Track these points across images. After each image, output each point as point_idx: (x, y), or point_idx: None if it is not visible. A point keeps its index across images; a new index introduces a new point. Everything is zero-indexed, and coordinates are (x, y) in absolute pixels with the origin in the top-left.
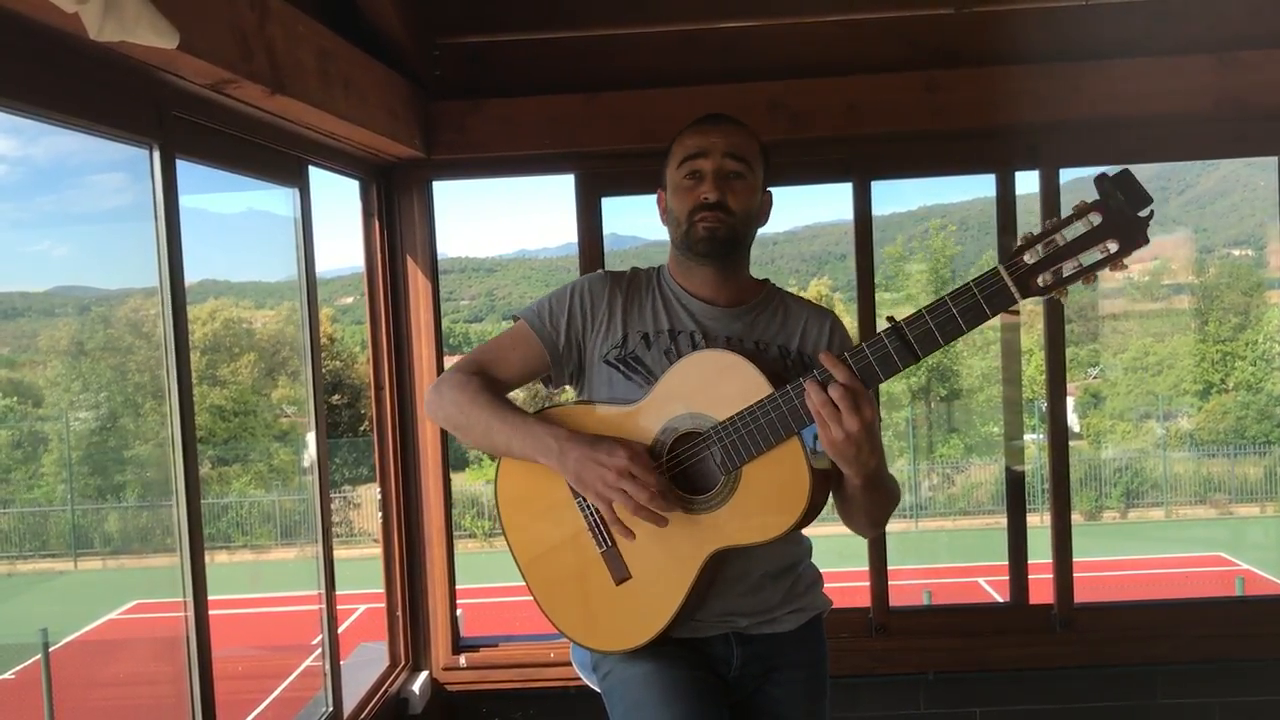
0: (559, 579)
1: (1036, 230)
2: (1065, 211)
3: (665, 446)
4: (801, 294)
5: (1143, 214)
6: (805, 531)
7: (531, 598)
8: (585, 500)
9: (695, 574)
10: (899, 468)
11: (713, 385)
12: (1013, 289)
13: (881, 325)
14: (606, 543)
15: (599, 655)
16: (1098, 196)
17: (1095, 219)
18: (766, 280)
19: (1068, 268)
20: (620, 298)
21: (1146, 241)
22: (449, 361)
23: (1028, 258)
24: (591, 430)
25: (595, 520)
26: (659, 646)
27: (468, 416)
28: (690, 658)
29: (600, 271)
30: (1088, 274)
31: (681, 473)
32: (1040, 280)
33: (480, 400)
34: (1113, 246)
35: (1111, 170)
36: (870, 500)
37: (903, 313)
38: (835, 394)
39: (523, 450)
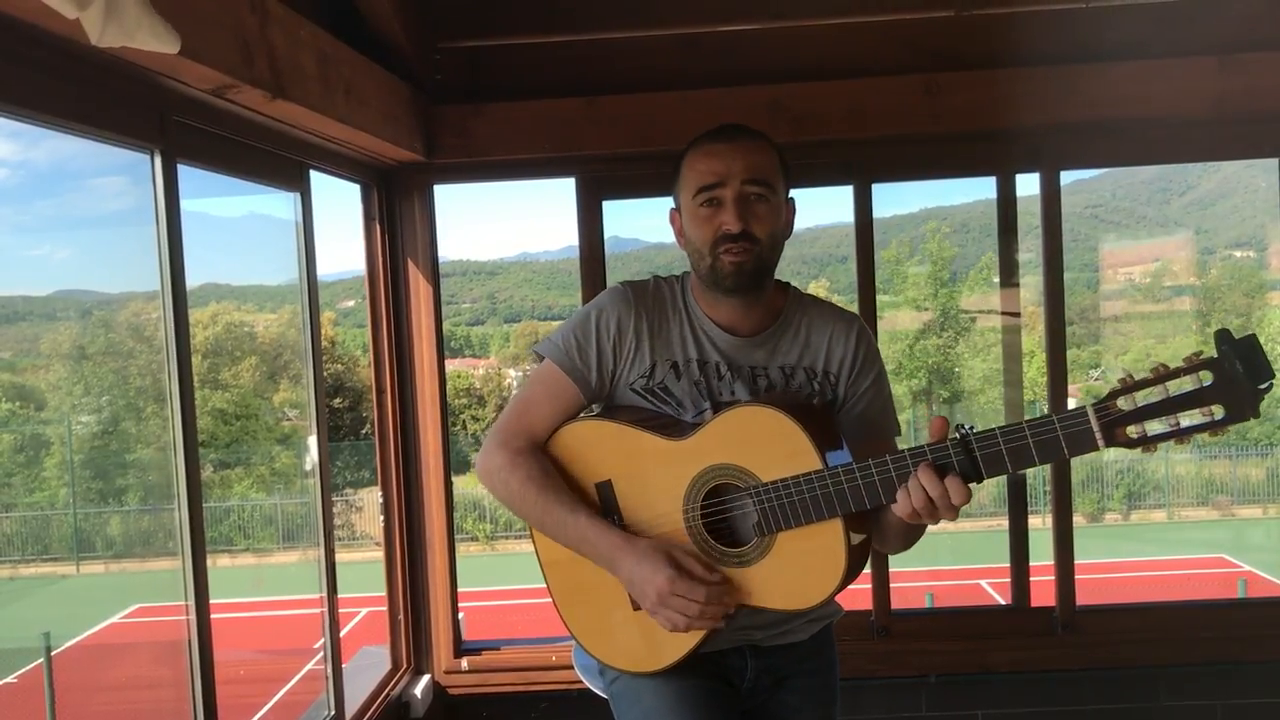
0: (579, 587)
1: (1139, 375)
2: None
3: (701, 491)
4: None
5: (1261, 386)
6: None
7: (548, 594)
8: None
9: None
10: None
11: (763, 445)
12: (1098, 435)
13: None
14: None
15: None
16: (1215, 354)
17: (1206, 378)
18: (788, 287)
19: (1163, 424)
20: (645, 322)
21: (1257, 415)
22: (449, 365)
23: (1122, 403)
24: (627, 460)
25: None
26: None
27: (518, 504)
28: (702, 667)
29: (620, 288)
30: (1183, 435)
31: (714, 522)
32: (1130, 431)
33: (530, 487)
34: (1218, 413)
35: (1238, 333)
36: (913, 531)
37: (902, 314)
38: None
39: (577, 549)
